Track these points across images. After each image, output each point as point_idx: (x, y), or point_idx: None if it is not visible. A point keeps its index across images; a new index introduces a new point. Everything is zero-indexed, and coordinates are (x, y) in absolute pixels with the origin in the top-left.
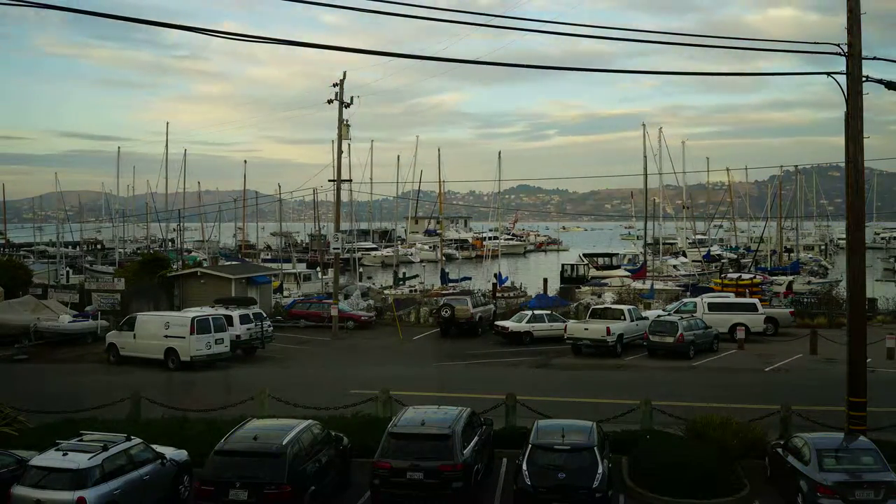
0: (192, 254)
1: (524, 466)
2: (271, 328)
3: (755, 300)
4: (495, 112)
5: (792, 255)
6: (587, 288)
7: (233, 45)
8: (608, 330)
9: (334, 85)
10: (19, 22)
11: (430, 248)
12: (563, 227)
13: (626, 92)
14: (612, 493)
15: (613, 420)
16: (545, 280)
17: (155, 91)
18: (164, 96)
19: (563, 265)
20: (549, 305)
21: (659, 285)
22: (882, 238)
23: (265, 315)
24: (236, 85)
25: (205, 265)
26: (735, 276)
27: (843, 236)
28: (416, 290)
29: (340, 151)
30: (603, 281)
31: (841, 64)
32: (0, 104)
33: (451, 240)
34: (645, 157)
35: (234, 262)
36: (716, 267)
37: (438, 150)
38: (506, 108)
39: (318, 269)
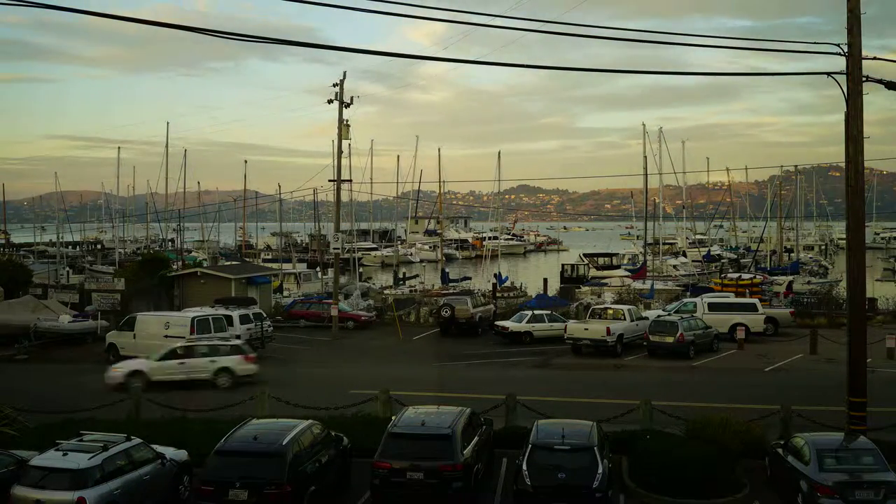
0: (192, 254)
1: (524, 466)
2: (271, 328)
3: (755, 300)
4: (596, 123)
5: (792, 255)
6: (587, 288)
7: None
8: (608, 330)
9: (334, 85)
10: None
11: (430, 248)
12: (565, 228)
13: (713, 115)
14: (612, 493)
15: (613, 420)
16: (545, 280)
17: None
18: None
19: (563, 265)
20: (549, 305)
21: (659, 285)
22: (882, 238)
23: (265, 315)
24: (390, 104)
25: (205, 265)
26: (735, 276)
27: (843, 236)
28: (416, 290)
29: (340, 151)
30: (603, 281)
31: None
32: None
33: (451, 240)
34: (645, 157)
35: (234, 262)
36: (716, 267)
37: (439, 150)
38: (615, 124)
39: (318, 269)
